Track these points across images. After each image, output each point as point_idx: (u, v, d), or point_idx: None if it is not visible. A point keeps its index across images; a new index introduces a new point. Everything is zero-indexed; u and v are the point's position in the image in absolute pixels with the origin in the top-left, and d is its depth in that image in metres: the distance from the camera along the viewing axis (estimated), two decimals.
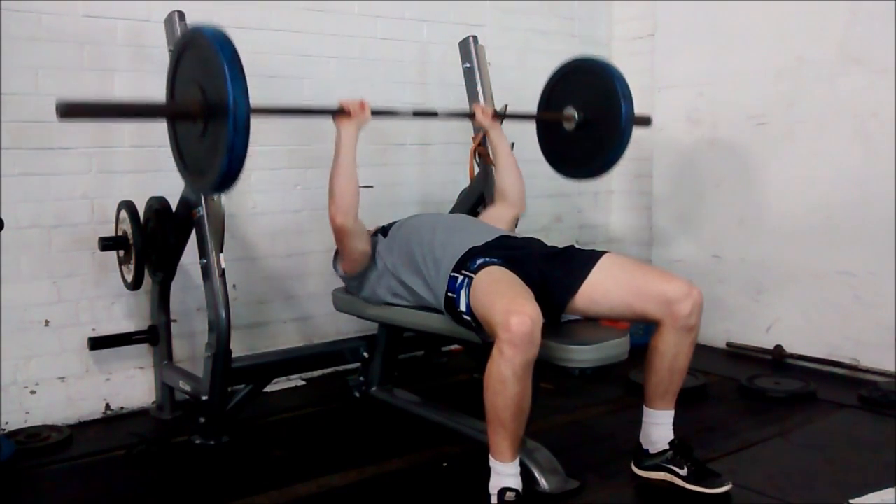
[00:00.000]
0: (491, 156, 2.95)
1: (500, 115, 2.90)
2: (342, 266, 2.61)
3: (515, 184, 2.87)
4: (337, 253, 2.62)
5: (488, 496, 2.06)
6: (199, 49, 2.08)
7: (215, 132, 2.03)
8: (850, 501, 2.11)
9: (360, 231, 2.50)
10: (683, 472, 2.22)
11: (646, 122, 3.23)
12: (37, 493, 2.33)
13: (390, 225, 2.65)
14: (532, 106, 3.23)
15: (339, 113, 2.46)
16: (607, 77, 2.92)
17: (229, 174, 2.04)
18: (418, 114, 2.68)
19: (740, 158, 3.63)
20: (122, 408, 2.95)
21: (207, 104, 2.05)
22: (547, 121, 3.12)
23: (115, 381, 2.93)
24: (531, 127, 3.47)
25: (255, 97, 3.12)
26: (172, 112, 2.26)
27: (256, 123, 3.12)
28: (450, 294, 2.23)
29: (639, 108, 4.06)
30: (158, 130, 2.88)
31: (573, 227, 4.23)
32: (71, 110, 2.03)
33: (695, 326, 2.18)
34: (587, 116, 2.99)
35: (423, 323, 2.45)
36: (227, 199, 2.53)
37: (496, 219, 2.72)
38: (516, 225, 2.86)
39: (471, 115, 2.86)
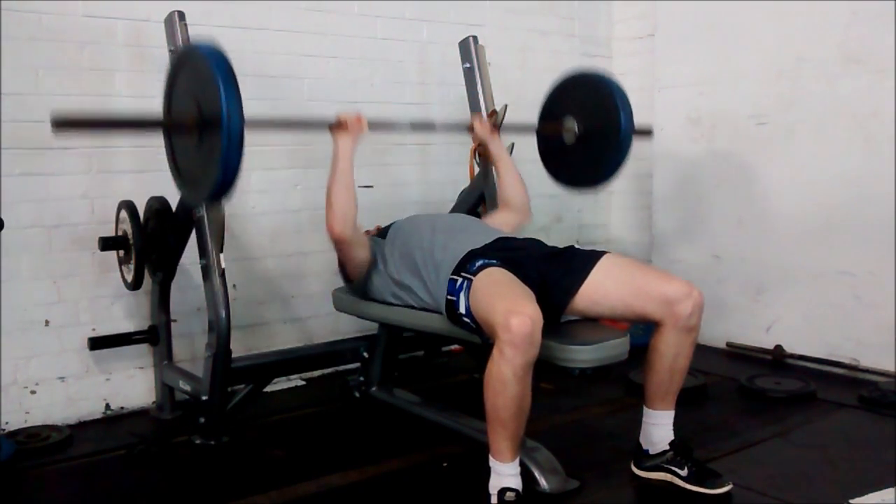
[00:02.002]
0: (493, 167, 2.96)
1: (498, 127, 2.90)
2: (346, 274, 2.62)
3: (519, 192, 2.88)
4: (340, 262, 2.62)
5: (488, 496, 2.06)
6: (195, 64, 2.12)
7: (210, 144, 2.07)
8: (850, 501, 2.11)
9: (358, 240, 2.50)
10: (684, 472, 2.22)
11: (646, 133, 3.23)
12: (37, 493, 2.33)
13: (389, 226, 2.65)
14: (533, 107, 3.23)
15: (336, 126, 2.47)
16: (606, 89, 2.91)
17: (224, 185, 2.08)
18: (416, 126, 2.70)
19: (740, 158, 3.63)
20: (122, 408, 2.95)
21: (202, 117, 2.09)
22: (546, 133, 3.11)
23: (115, 381, 2.93)
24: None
25: (256, 97, 3.15)
26: (168, 125, 2.28)
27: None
28: (450, 297, 2.23)
29: (639, 109, 4.08)
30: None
31: (573, 227, 4.23)
32: (65, 123, 2.06)
33: (695, 327, 2.18)
34: (587, 129, 2.97)
35: (423, 323, 2.44)
36: (227, 200, 2.53)
37: (500, 223, 2.72)
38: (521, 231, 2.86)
39: (469, 128, 2.85)
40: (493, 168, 2.97)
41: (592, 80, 2.99)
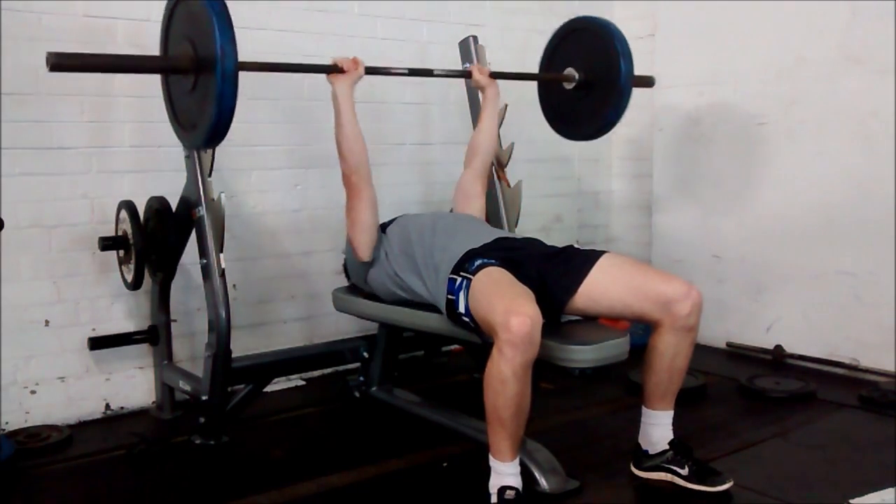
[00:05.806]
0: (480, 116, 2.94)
1: (497, 75, 2.89)
2: (353, 249, 2.60)
3: (488, 142, 2.87)
4: (348, 240, 2.62)
5: (488, 495, 2.06)
6: (190, 4, 2.14)
7: (205, 84, 2.10)
8: (850, 501, 2.11)
9: (371, 197, 2.54)
10: (684, 471, 2.22)
11: (648, 82, 3.20)
12: (37, 493, 2.33)
13: (390, 222, 2.65)
14: (533, 107, 3.23)
15: (332, 70, 2.49)
16: (607, 36, 2.92)
17: (219, 125, 2.10)
18: (414, 72, 2.66)
19: (740, 158, 3.63)
20: (122, 408, 2.95)
21: (197, 57, 2.11)
22: (547, 81, 3.12)
23: (115, 381, 2.93)
24: (531, 128, 3.48)
25: (256, 97, 3.16)
26: (164, 66, 2.29)
27: (256, 122, 3.15)
28: (449, 296, 2.23)
29: (639, 108, 4.10)
30: (158, 130, 2.90)
31: (573, 227, 4.23)
32: (61, 62, 2.05)
33: (694, 327, 2.18)
34: (587, 76, 2.99)
35: (423, 323, 2.45)
36: (227, 200, 2.53)
37: (467, 195, 2.76)
38: (486, 189, 2.86)
39: (467, 75, 2.86)
40: (481, 112, 2.92)
41: (593, 28, 3.00)
